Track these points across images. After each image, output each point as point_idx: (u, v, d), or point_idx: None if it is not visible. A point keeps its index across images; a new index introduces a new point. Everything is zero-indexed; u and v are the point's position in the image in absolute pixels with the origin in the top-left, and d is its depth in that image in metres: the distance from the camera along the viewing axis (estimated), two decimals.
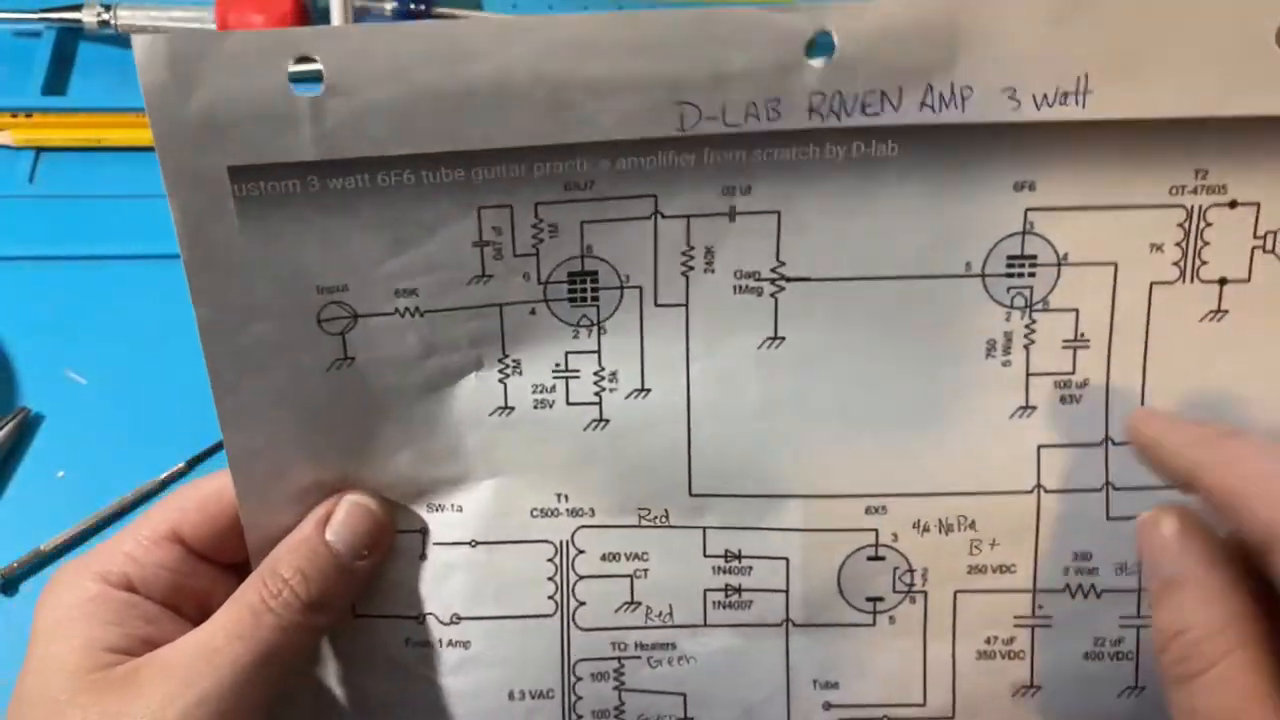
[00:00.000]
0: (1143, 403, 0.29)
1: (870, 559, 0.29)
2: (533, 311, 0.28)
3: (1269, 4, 0.26)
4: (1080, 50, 0.26)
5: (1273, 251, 0.28)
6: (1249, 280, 0.28)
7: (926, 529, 0.29)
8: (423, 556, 0.29)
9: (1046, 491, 0.29)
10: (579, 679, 0.30)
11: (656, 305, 0.28)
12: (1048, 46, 0.26)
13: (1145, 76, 0.26)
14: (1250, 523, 0.23)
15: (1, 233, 0.46)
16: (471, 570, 0.29)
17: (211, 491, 0.29)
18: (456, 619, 0.29)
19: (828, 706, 0.30)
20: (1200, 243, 0.28)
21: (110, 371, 0.43)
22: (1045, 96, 0.26)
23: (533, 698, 0.30)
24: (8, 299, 0.44)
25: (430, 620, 0.29)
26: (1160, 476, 0.26)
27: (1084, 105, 0.26)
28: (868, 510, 0.29)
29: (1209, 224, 0.28)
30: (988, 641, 0.30)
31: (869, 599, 0.30)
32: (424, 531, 0.29)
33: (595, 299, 0.28)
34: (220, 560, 0.29)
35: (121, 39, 0.49)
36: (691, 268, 0.28)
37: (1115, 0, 0.26)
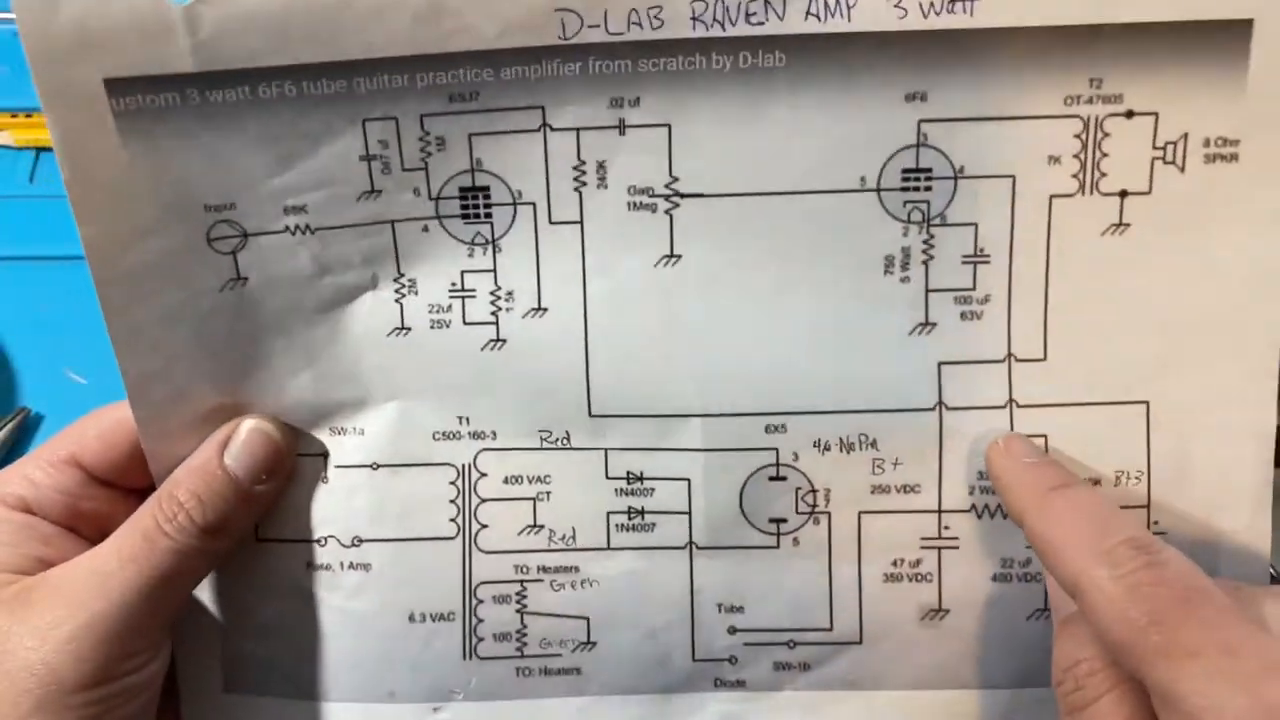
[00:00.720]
0: (1046, 321, 0.28)
1: (771, 479, 0.29)
2: (425, 229, 0.28)
3: None
4: None
5: (1173, 163, 0.27)
6: (1150, 192, 0.28)
7: (827, 448, 0.29)
8: (324, 480, 0.29)
9: (949, 409, 0.29)
10: (480, 602, 0.30)
11: (551, 222, 0.28)
12: None
13: None
14: (1060, 571, 0.25)
15: (1, 233, 0.46)
16: (373, 492, 0.29)
17: (113, 419, 0.29)
18: (358, 541, 0.29)
19: (733, 630, 0.30)
20: (1099, 154, 0.27)
21: (110, 371, 0.41)
22: (932, 5, 0.26)
23: (433, 620, 0.29)
24: (8, 299, 0.45)
25: (331, 543, 0.29)
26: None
27: (972, 13, 0.26)
28: (767, 429, 0.29)
29: (1107, 135, 0.27)
30: (894, 564, 0.29)
31: (772, 520, 0.29)
32: (325, 455, 0.29)
33: (489, 216, 0.28)
34: (122, 485, 0.29)
35: None
36: (584, 183, 0.28)
37: None
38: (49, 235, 0.46)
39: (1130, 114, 0.27)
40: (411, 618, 0.29)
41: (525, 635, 0.30)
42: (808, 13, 0.26)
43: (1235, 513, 0.28)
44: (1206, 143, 0.27)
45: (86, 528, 0.29)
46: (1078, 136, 0.27)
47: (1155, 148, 0.27)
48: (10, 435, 0.41)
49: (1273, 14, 0.26)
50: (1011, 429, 0.29)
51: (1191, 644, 0.21)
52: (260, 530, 0.29)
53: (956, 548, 0.29)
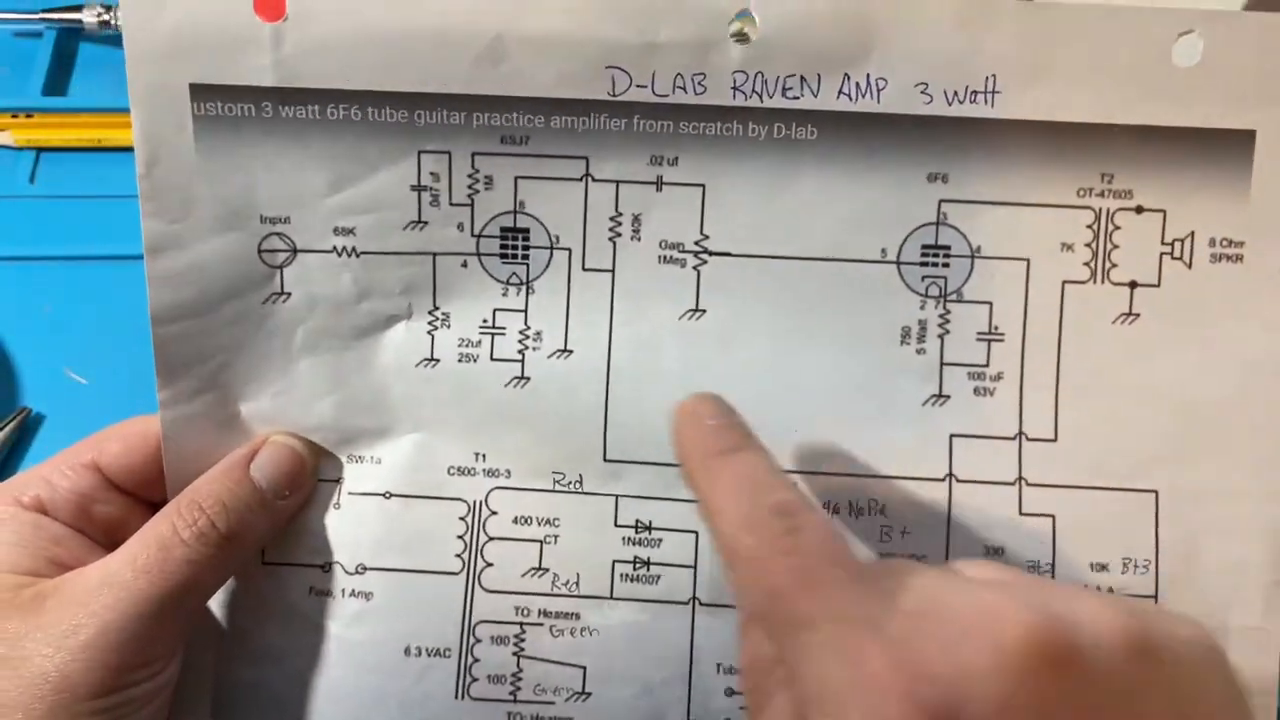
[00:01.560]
0: (1057, 402, 0.29)
1: None
2: (464, 264, 0.29)
3: (1168, 18, 0.28)
4: (987, 53, 0.28)
5: (1181, 259, 0.29)
6: (1159, 285, 0.29)
7: (836, 510, 0.29)
8: (336, 505, 0.30)
9: (958, 481, 0.29)
10: (478, 640, 0.29)
11: (584, 269, 0.29)
12: (957, 46, 0.28)
13: (1050, 81, 0.28)
14: (716, 538, 0.24)
15: (1, 233, 0.45)
16: (383, 520, 0.29)
17: (137, 428, 0.30)
18: (362, 569, 0.29)
19: (730, 693, 0.29)
20: (1110, 245, 0.29)
21: (110, 371, 0.42)
22: (956, 94, 0.28)
23: (429, 655, 0.29)
24: (8, 299, 0.44)
25: (335, 569, 0.29)
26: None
27: (993, 104, 0.28)
28: None
29: (1117, 227, 0.29)
30: None
31: None
32: (340, 481, 0.30)
33: (525, 257, 0.29)
34: (138, 493, 0.30)
35: (122, 39, 0.50)
36: (619, 234, 0.29)
37: (1020, 8, 0.28)
38: (49, 235, 0.45)
39: (1140, 209, 0.29)
40: (407, 651, 0.29)
41: (520, 679, 0.29)
42: (840, 92, 0.28)
43: (1245, 610, 0.28)
44: (1212, 242, 0.29)
45: (97, 532, 0.29)
46: (1090, 227, 0.29)
47: (1164, 243, 0.29)
48: (10, 435, 0.41)
49: (1274, 126, 0.28)
50: (1020, 508, 0.29)
51: (809, 615, 0.21)
52: (265, 553, 0.29)
53: None
